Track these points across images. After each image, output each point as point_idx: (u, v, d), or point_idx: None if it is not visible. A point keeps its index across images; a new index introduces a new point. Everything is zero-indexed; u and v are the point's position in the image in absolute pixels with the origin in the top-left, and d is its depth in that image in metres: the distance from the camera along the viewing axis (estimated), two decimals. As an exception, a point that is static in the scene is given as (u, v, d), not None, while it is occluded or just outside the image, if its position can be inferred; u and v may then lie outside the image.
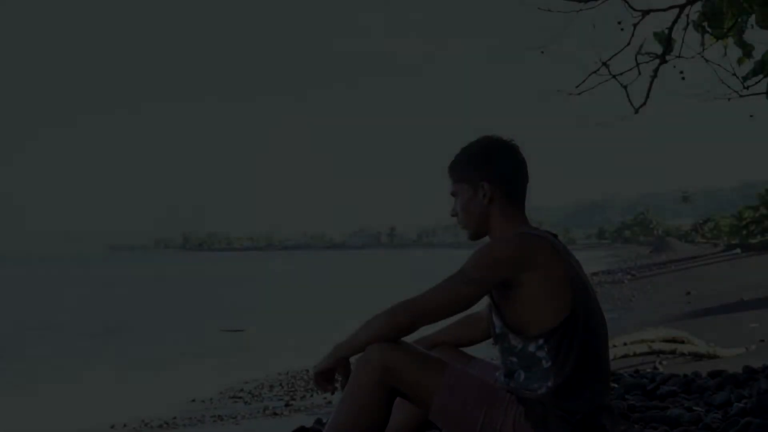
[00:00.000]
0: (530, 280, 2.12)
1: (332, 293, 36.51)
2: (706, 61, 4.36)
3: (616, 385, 3.70)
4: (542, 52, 4.04)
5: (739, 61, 4.71)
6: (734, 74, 4.30)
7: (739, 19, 4.54)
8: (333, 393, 2.26)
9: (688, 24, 4.30)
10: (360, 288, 37.42)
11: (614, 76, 4.19)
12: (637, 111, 4.30)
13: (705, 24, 4.53)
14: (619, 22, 4.12)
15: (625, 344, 10.13)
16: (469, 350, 2.54)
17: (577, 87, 4.18)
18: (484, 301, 2.28)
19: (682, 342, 10.46)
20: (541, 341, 2.13)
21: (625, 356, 9.94)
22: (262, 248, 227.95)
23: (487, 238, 2.32)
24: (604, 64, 4.14)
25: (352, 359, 2.20)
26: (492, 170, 2.28)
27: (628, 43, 4.07)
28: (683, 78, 4.28)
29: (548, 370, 2.13)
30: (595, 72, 4.19)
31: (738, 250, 49.28)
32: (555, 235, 2.26)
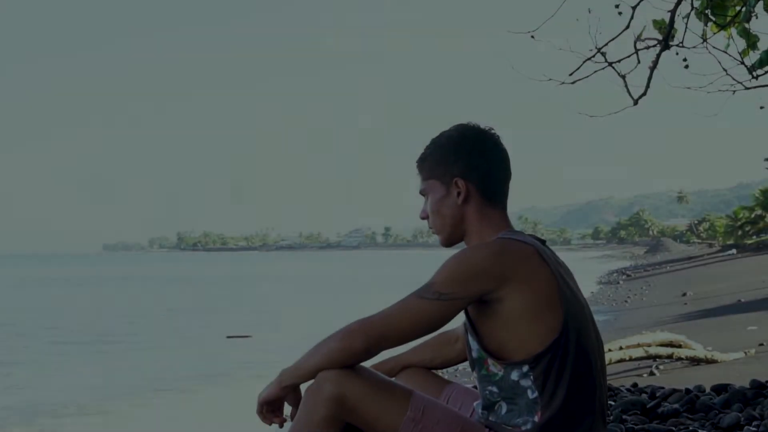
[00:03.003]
0: (513, 295, 1.78)
1: (332, 294, 36.15)
2: (709, 48, 4.04)
3: (612, 403, 3.39)
4: (532, 37, 3.74)
5: (743, 53, 4.42)
6: (742, 62, 3.98)
7: (744, 8, 4.25)
8: (281, 426, 1.93)
9: (691, 9, 3.98)
10: (360, 288, 37.09)
11: (610, 64, 3.87)
12: (636, 102, 3.98)
13: (708, 12, 4.23)
14: (617, 5, 3.81)
15: (621, 348, 9.90)
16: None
17: (570, 75, 3.86)
18: (461, 317, 1.95)
19: (680, 346, 10.21)
20: (525, 368, 1.80)
21: (621, 360, 9.71)
22: (257, 248, 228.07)
23: (462, 245, 1.99)
24: (599, 50, 3.81)
25: (304, 386, 1.88)
26: (467, 164, 1.95)
27: (627, 26, 3.75)
28: (687, 66, 3.96)
29: (534, 402, 1.80)
30: (589, 59, 3.86)
31: (734, 251, 49.11)
32: (543, 241, 1.92)
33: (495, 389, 1.85)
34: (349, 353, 1.79)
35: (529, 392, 1.81)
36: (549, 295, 1.80)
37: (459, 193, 1.95)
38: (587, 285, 30.50)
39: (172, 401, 10.98)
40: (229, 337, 20.91)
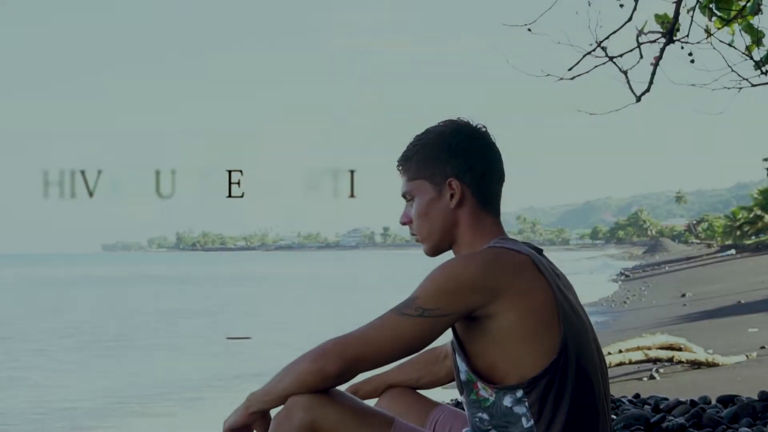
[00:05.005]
0: (505, 311, 1.59)
1: (332, 294, 36.03)
2: (714, 44, 3.87)
3: (614, 417, 3.22)
4: (529, 30, 3.56)
5: (748, 49, 4.25)
6: (750, 57, 3.81)
7: (750, 2, 4.08)
8: None
9: (696, 3, 3.80)
10: (360, 288, 36.98)
11: (611, 59, 3.68)
12: (638, 99, 3.80)
13: (712, 6, 4.06)
14: (618, -3, 3.64)
15: (620, 351, 9.78)
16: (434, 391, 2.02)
17: (569, 70, 3.68)
18: (448, 335, 1.76)
19: (680, 349, 10.09)
20: (520, 393, 1.61)
21: (620, 364, 9.60)
22: (256, 248, 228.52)
23: (448, 254, 1.79)
24: (599, 44, 3.63)
25: (273, 411, 1.69)
26: (462, 164, 1.74)
27: (630, 18, 3.56)
28: (692, 61, 3.78)
29: None
30: (589, 53, 3.67)
31: (732, 251, 49.03)
32: (539, 250, 1.72)
33: (485, 416, 1.66)
34: (321, 376, 1.60)
35: (523, 420, 1.61)
36: (546, 311, 1.61)
37: (452, 196, 1.75)
38: (603, 285, 30.54)
39: (180, 407, 10.85)
40: (229, 338, 20.83)
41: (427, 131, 1.80)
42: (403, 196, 1.82)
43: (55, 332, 21.70)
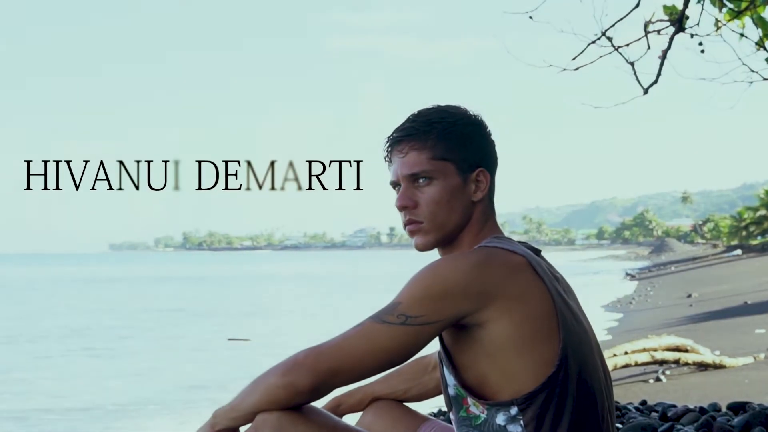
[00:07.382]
0: (498, 319, 1.43)
1: (334, 294, 35.96)
2: (723, 36, 3.72)
3: (620, 425, 3.07)
4: (530, 18, 3.41)
5: (759, 43, 4.10)
6: (763, 47, 3.65)
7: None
8: None
9: (706, -6, 3.64)
10: (365, 288, 36.92)
11: (617, 48, 3.52)
12: (646, 91, 3.63)
13: (723, -4, 3.91)
14: (625, -16, 3.49)
15: (626, 353, 9.69)
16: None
17: (573, 60, 3.52)
18: (436, 344, 1.60)
19: (686, 351, 9.99)
20: (514, 410, 1.44)
21: (626, 366, 9.50)
22: (262, 248, 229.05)
23: (433, 254, 1.62)
24: (604, 33, 3.46)
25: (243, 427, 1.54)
26: (490, 154, 1.60)
27: (637, 5, 3.40)
28: (702, 51, 3.62)
29: None
30: (593, 42, 3.52)
31: (738, 252, 48.87)
32: (537, 251, 1.56)
33: None
34: (292, 391, 1.44)
35: None
36: (544, 318, 1.44)
37: (477, 187, 1.59)
38: (616, 285, 30.42)
39: (179, 408, 10.74)
40: (230, 339, 20.84)
41: (448, 112, 1.60)
42: (413, 176, 1.59)
43: (57, 333, 21.69)
